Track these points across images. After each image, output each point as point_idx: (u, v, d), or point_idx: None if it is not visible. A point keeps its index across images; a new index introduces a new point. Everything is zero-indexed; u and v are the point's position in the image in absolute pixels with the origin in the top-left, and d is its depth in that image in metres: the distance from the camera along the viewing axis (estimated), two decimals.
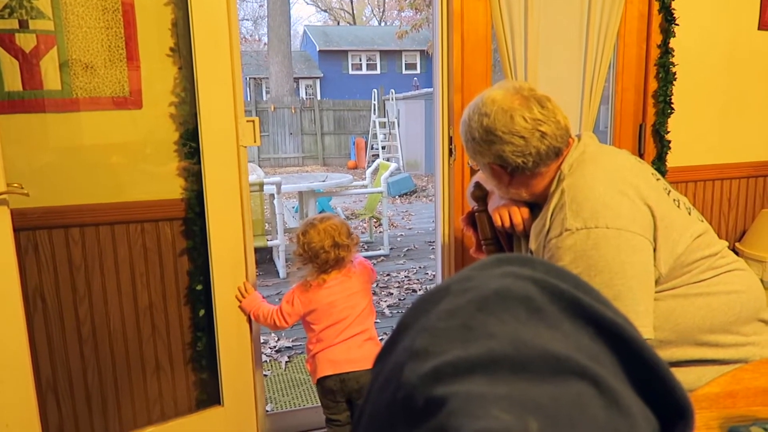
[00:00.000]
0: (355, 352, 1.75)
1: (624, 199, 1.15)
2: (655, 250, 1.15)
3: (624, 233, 1.11)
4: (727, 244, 1.29)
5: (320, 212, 5.16)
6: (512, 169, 1.25)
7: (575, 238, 1.12)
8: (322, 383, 1.79)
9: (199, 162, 1.76)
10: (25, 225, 1.64)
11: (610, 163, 1.23)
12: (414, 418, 0.36)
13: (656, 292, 1.16)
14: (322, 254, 1.75)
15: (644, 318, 1.10)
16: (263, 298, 1.91)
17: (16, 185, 1.51)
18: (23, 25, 1.58)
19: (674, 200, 1.24)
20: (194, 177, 1.80)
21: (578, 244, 1.12)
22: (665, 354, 1.17)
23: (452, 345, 0.40)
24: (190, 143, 1.76)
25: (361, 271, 1.85)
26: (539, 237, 1.23)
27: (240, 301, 1.86)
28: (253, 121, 1.82)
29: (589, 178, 1.19)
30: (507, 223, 1.40)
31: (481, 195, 1.51)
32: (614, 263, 1.09)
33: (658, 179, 1.28)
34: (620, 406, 0.39)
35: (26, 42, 1.59)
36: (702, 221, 1.27)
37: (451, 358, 0.38)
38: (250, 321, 1.90)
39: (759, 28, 2.31)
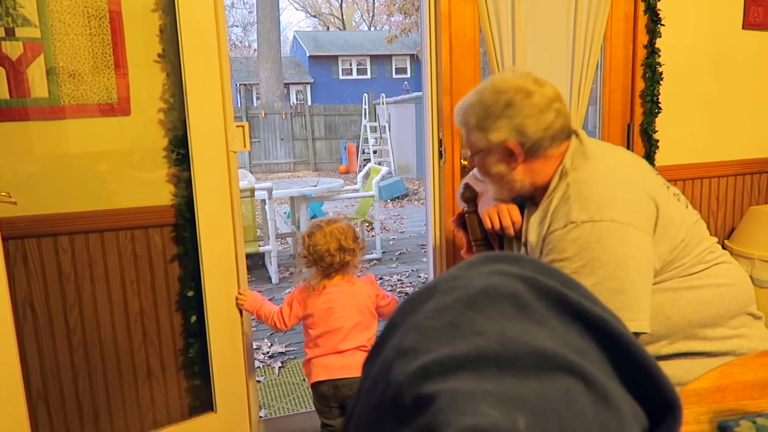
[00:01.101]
0: (349, 358, 1.74)
1: (628, 193, 1.16)
2: (654, 244, 1.16)
3: (628, 228, 1.11)
4: (716, 239, 1.31)
5: (312, 217, 5.16)
6: (528, 147, 1.24)
7: (580, 230, 1.12)
8: (316, 388, 1.78)
9: (188, 168, 1.76)
10: (13, 234, 1.63)
11: (612, 159, 1.25)
12: (403, 416, 0.37)
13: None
14: (327, 257, 1.73)
15: (643, 312, 1.10)
16: (264, 298, 1.91)
17: (4, 194, 1.51)
18: (9, 33, 1.57)
19: (674, 194, 1.27)
20: (184, 183, 1.79)
21: (582, 237, 1.12)
22: (656, 348, 1.18)
23: (440, 343, 0.40)
24: (178, 150, 1.76)
25: (365, 283, 1.82)
26: (539, 230, 1.23)
27: (242, 305, 1.86)
28: (243, 127, 1.82)
29: (595, 173, 1.19)
30: (497, 225, 1.40)
31: (470, 196, 1.52)
32: (618, 256, 1.10)
33: (657, 174, 1.29)
34: (608, 401, 0.40)
35: (13, 50, 1.58)
36: (697, 221, 1.29)
37: (438, 356, 0.38)
38: (242, 326, 1.89)
39: (743, 28, 2.33)
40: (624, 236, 1.11)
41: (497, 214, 1.41)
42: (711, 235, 1.31)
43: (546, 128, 1.22)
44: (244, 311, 1.88)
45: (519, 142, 1.25)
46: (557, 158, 1.26)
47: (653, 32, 2.19)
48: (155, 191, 1.79)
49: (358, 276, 1.85)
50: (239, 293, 1.87)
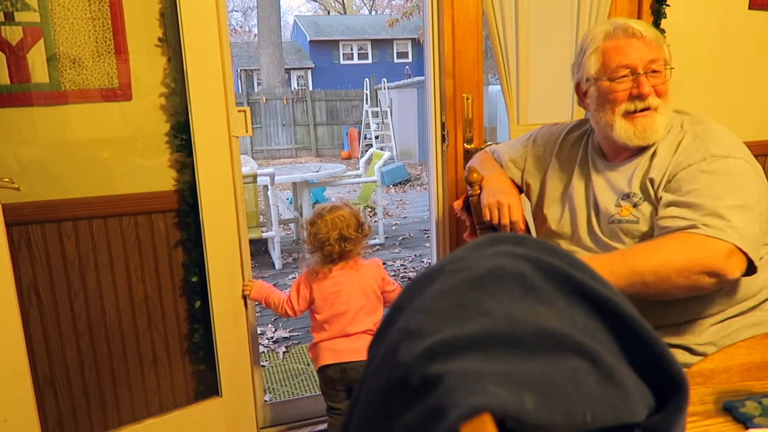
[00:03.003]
0: (356, 342, 1.75)
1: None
2: None
3: (760, 172, 1.17)
4: None
5: (314, 203, 5.16)
6: None
7: (721, 162, 1.16)
8: (323, 372, 1.79)
9: (191, 154, 1.75)
10: (17, 220, 1.63)
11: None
12: (410, 397, 0.36)
13: None
14: (326, 246, 1.73)
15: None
16: (270, 285, 1.91)
17: (6, 180, 1.50)
18: (9, 18, 1.56)
19: None
20: (187, 169, 1.78)
21: (725, 168, 1.15)
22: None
23: (447, 324, 0.39)
24: (181, 135, 1.75)
25: (372, 267, 1.81)
26: (662, 175, 1.22)
27: (248, 295, 1.87)
28: (245, 111, 1.81)
29: (717, 126, 1.25)
30: (495, 220, 1.41)
31: (476, 179, 1.51)
32: (757, 191, 1.14)
33: None
34: (615, 381, 0.40)
35: (12, 35, 1.57)
36: None
37: (445, 336, 0.38)
38: (246, 311, 1.90)
39: (750, 8, 2.30)
40: (758, 179, 1.16)
41: (497, 209, 1.41)
42: None
43: None
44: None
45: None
46: None
47: (658, 13, 2.16)
48: (158, 177, 1.78)
49: (365, 259, 1.85)
50: (245, 283, 1.87)
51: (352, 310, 1.76)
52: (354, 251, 1.77)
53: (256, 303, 1.94)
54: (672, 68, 1.28)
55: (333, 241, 1.72)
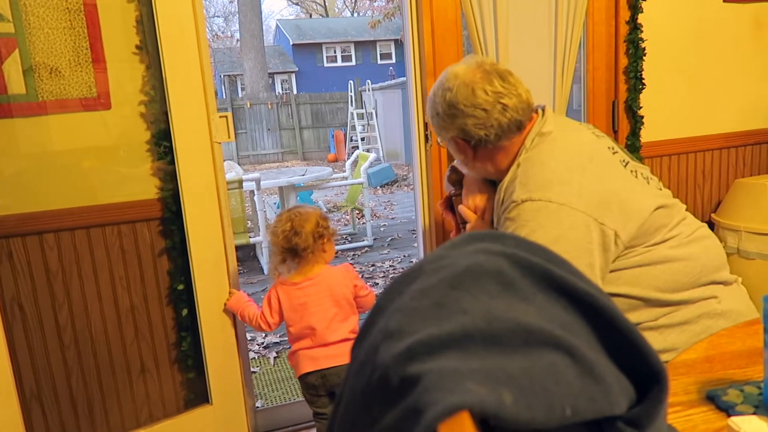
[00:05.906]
0: (334, 348, 1.73)
1: (573, 175, 1.18)
2: (612, 224, 1.16)
3: (564, 209, 1.13)
4: (685, 207, 1.31)
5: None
6: (475, 143, 1.27)
7: (519, 209, 1.16)
8: (304, 379, 1.77)
9: (173, 161, 1.74)
10: None
11: (566, 139, 1.26)
12: (390, 397, 0.36)
13: (624, 259, 1.18)
14: (274, 238, 1.72)
15: None
16: (249, 297, 1.90)
17: None
18: None
19: (631, 171, 1.26)
20: (169, 176, 1.77)
21: (521, 215, 1.16)
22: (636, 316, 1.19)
23: (425, 323, 0.40)
24: (163, 143, 1.74)
25: (341, 273, 1.78)
26: (498, 211, 1.27)
27: (226, 303, 1.85)
28: (226, 117, 1.80)
29: (545, 154, 1.22)
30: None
31: (457, 179, 1.52)
32: (550, 235, 1.12)
33: (615, 152, 1.29)
34: (595, 375, 0.40)
35: None
36: (661, 189, 1.30)
37: (424, 336, 0.38)
38: (234, 318, 1.89)
39: (725, 1, 2.33)
40: (559, 216, 1.13)
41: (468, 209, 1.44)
42: (697, 209, 1.31)
43: (489, 126, 1.24)
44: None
45: (464, 140, 1.29)
46: (517, 144, 1.29)
47: (635, 8, 2.18)
48: (141, 185, 1.77)
49: (348, 263, 1.83)
50: (229, 291, 1.86)
51: (324, 321, 1.72)
52: (309, 248, 1.71)
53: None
54: (440, 140, 1.37)
55: (280, 232, 1.71)
